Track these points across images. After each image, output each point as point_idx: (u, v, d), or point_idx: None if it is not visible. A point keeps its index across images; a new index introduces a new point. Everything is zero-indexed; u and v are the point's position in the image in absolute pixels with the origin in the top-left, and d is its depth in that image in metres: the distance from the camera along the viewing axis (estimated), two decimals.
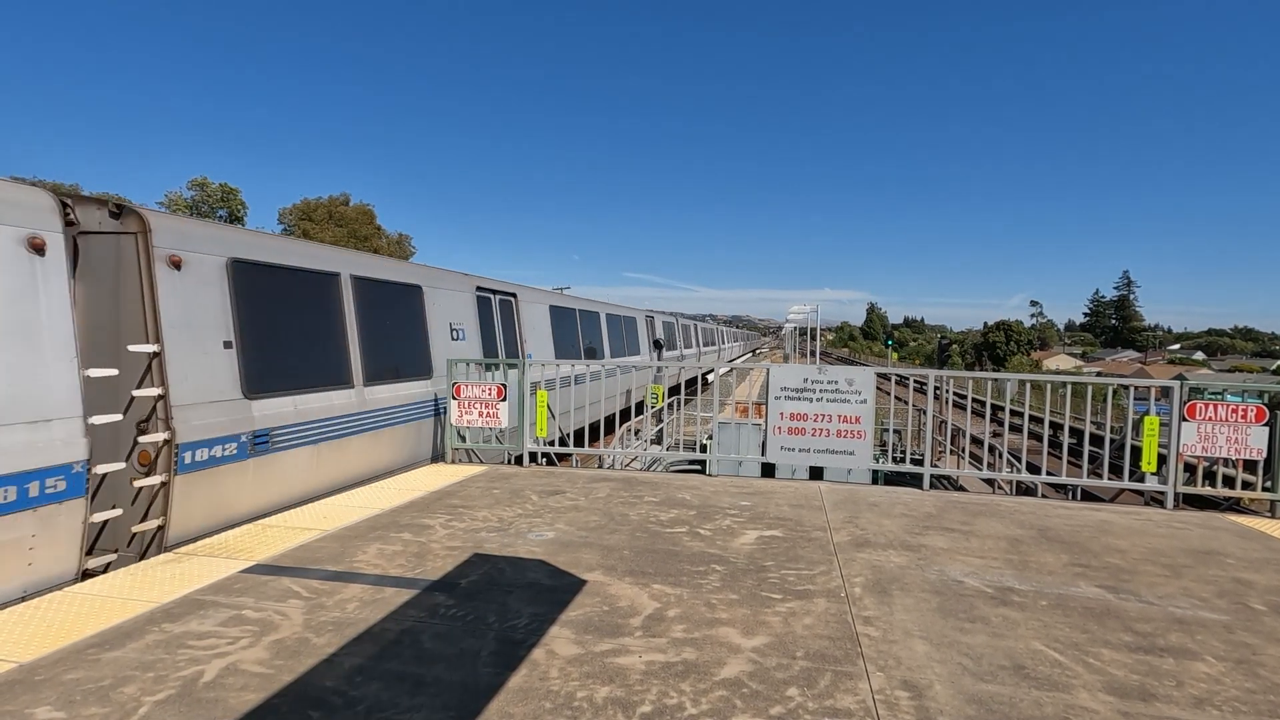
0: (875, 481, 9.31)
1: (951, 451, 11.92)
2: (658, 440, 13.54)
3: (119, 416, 4.68)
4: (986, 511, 5.85)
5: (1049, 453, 16.62)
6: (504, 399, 7.48)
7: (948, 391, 12.56)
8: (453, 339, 8.62)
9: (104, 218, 4.85)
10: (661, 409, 13.46)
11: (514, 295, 10.80)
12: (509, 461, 7.99)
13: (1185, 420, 6.16)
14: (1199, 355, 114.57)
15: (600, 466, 10.39)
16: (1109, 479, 6.58)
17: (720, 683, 2.91)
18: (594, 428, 12.93)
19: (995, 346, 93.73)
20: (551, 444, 7.94)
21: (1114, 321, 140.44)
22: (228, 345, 5.39)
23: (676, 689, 2.85)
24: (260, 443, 5.58)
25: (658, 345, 20.89)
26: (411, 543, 4.69)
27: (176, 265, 5.07)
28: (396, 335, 7.68)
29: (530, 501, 5.89)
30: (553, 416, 7.99)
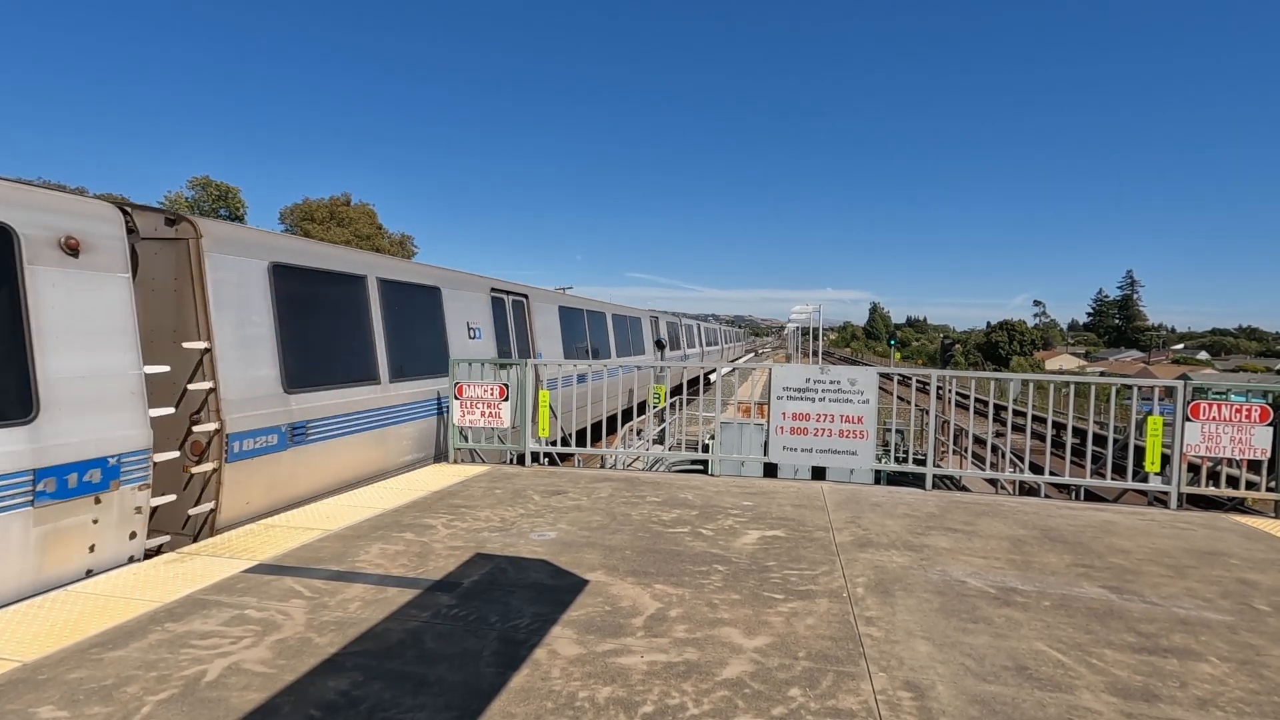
0: (878, 481, 9.30)
1: (954, 451, 11.90)
2: (660, 440, 13.54)
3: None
4: (989, 512, 5.84)
5: (1052, 453, 16.61)
6: (506, 399, 7.49)
7: (950, 391, 12.50)
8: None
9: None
10: (664, 409, 13.45)
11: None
12: (511, 461, 7.99)
13: (1189, 420, 6.14)
14: (1203, 355, 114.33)
15: (602, 466, 10.39)
16: (1112, 479, 6.56)
17: (722, 683, 2.90)
18: (595, 428, 12.93)
19: (998, 346, 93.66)
20: (554, 444, 7.94)
21: (1118, 321, 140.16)
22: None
23: (678, 689, 2.85)
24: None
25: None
26: (414, 542, 4.70)
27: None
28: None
29: (532, 501, 5.89)
30: (555, 416, 7.98)
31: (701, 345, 30.34)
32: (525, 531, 4.99)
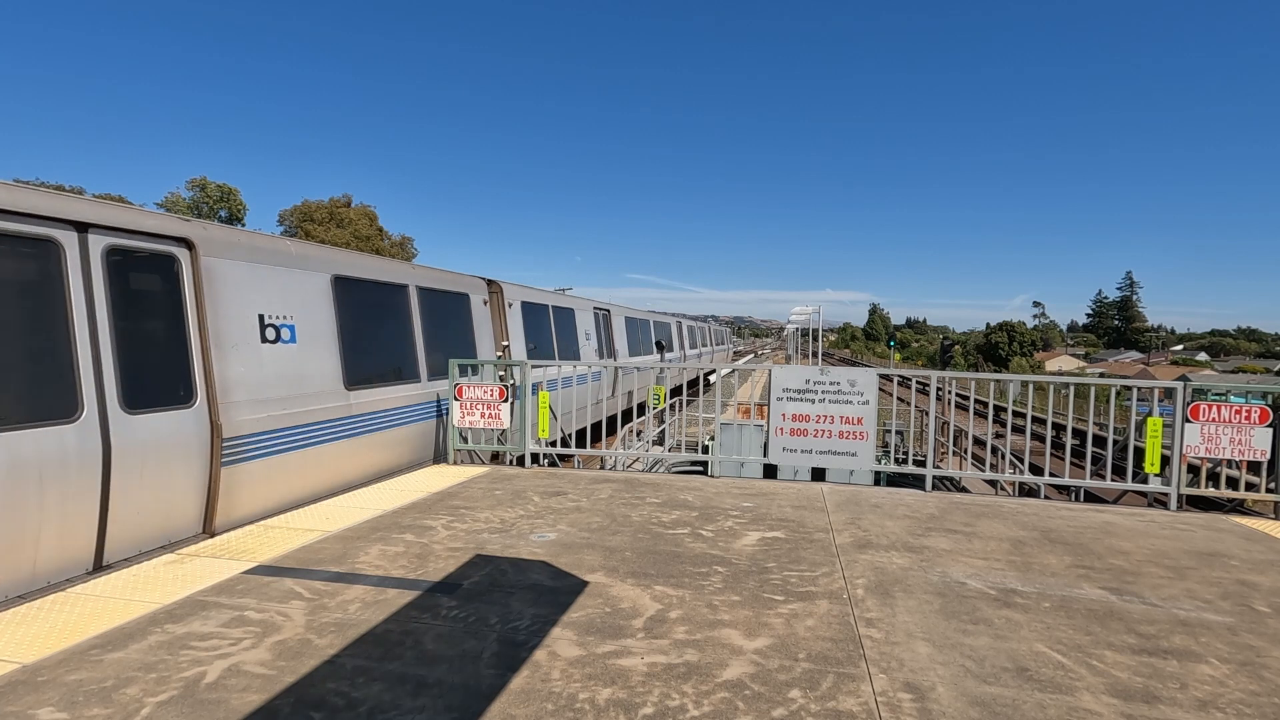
0: (878, 483, 9.30)
1: (954, 453, 11.90)
2: (660, 441, 13.54)
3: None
4: (989, 513, 5.84)
5: (1051, 454, 16.60)
6: (506, 400, 7.48)
7: (950, 392, 12.51)
8: None
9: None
10: (664, 410, 13.46)
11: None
12: (511, 462, 7.99)
13: (1189, 421, 6.14)
14: (1202, 356, 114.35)
15: (602, 468, 10.38)
16: (1112, 480, 6.56)
17: (722, 684, 2.90)
18: (595, 428, 12.92)
19: (998, 347, 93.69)
20: (554, 445, 7.93)
21: (1117, 322, 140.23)
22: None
23: (678, 690, 2.84)
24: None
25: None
26: (414, 544, 4.70)
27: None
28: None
29: (532, 503, 5.89)
30: (554, 417, 7.98)
31: (621, 347, 17.16)
32: (525, 533, 4.99)
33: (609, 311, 16.58)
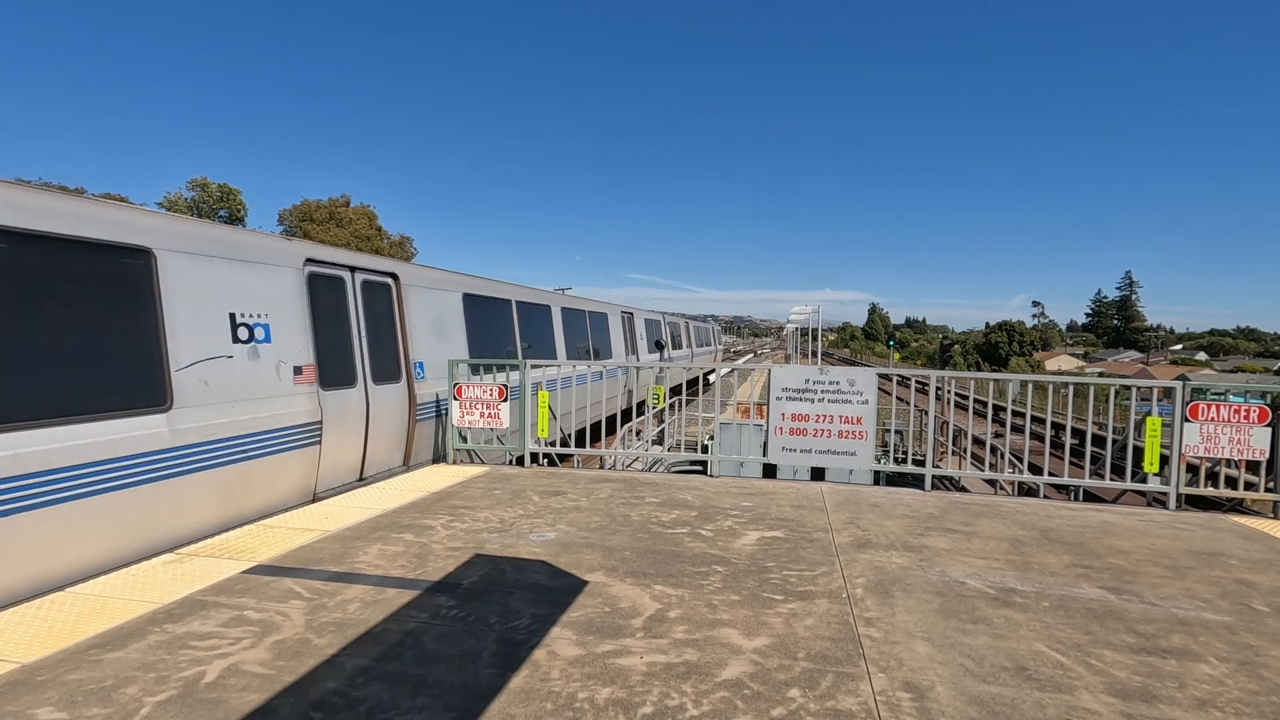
0: (877, 482, 9.30)
1: (953, 452, 11.90)
2: (659, 441, 13.54)
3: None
4: (988, 512, 5.84)
5: (1051, 453, 16.61)
6: (505, 400, 7.48)
7: (949, 392, 12.51)
8: None
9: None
10: (664, 410, 13.47)
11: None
12: (510, 462, 7.99)
13: (1188, 421, 6.15)
14: (1201, 356, 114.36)
15: (602, 467, 10.39)
16: (1111, 480, 6.57)
17: (722, 684, 2.90)
18: (594, 428, 12.93)
19: (998, 347, 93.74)
20: (553, 444, 7.93)
21: (1116, 322, 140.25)
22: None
23: (678, 690, 2.85)
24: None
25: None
26: (413, 543, 4.70)
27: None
28: None
29: (532, 502, 5.89)
30: (554, 417, 7.98)
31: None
32: (525, 532, 4.99)
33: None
